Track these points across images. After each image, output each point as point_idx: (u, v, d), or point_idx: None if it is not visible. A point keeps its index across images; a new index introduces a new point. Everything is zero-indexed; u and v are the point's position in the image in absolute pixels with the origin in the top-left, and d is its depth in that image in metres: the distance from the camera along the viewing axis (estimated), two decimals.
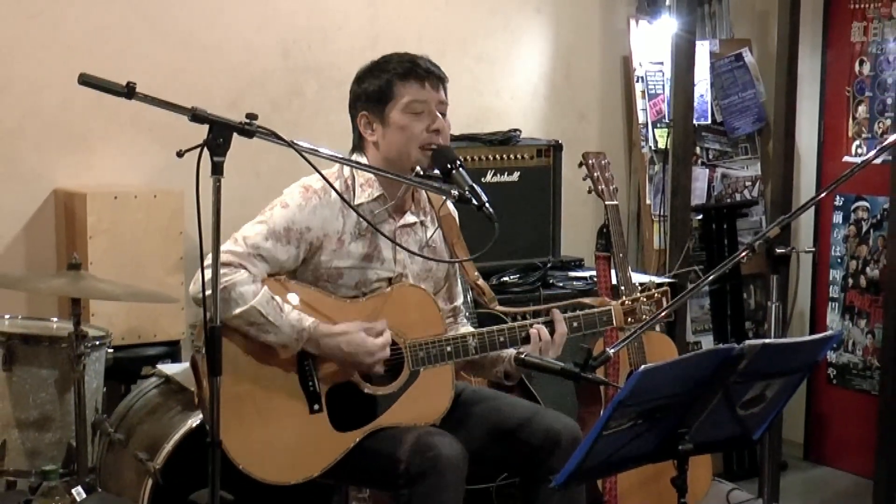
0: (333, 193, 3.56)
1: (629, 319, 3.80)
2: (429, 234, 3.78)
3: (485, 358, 3.74)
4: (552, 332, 3.67)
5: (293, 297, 3.54)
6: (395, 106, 3.62)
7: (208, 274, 3.03)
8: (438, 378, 3.66)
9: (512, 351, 3.68)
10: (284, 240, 3.53)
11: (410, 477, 3.40)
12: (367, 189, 3.65)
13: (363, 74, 3.71)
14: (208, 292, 3.04)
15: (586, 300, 3.90)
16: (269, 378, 3.51)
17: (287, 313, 3.47)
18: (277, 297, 3.48)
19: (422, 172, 3.57)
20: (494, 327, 3.66)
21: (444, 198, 3.69)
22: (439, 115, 3.65)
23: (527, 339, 3.64)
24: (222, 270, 3.38)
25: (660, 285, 3.92)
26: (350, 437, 3.56)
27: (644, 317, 3.80)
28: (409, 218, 3.73)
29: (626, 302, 3.83)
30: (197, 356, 3.48)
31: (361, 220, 3.58)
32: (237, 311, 3.42)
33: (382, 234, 3.59)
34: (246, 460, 3.46)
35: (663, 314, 3.59)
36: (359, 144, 3.74)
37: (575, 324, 3.74)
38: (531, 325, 3.65)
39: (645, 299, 3.82)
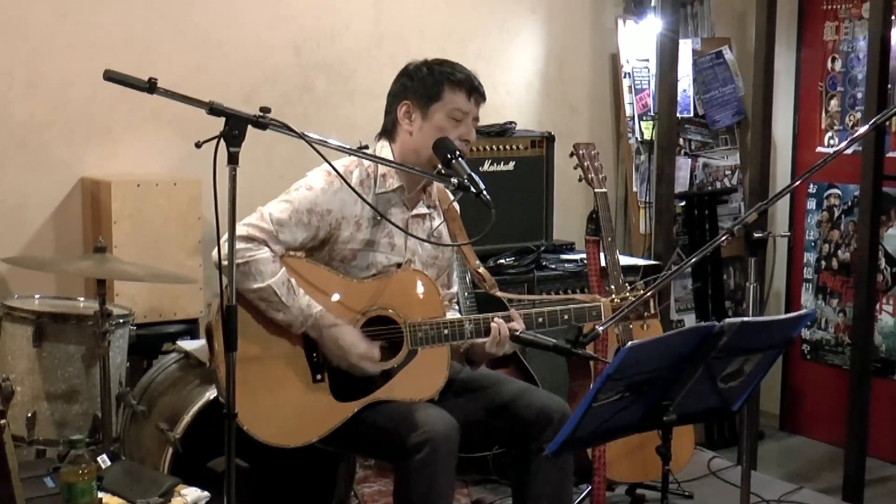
0: (353, 179, 3.58)
1: None
2: (435, 225, 3.79)
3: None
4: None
5: (303, 273, 3.54)
6: (440, 107, 3.64)
7: (227, 248, 3.00)
8: (435, 358, 3.64)
9: (478, 340, 3.64)
10: (306, 219, 3.53)
11: (406, 449, 3.40)
12: (388, 179, 3.66)
13: (414, 70, 3.72)
14: (227, 273, 3.01)
15: (579, 296, 3.88)
16: (276, 346, 3.52)
17: (299, 297, 3.48)
18: (293, 280, 3.48)
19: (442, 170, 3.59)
20: (490, 314, 3.65)
21: (449, 192, 3.71)
22: (472, 128, 3.68)
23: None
24: (246, 244, 3.41)
25: (646, 274, 3.86)
26: (349, 407, 3.56)
27: (631, 315, 3.78)
28: (421, 209, 3.75)
29: (616, 300, 3.81)
30: (212, 322, 3.49)
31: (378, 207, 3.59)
32: (254, 286, 3.43)
33: (390, 223, 3.60)
34: (249, 422, 3.45)
35: (649, 294, 3.59)
36: (391, 130, 3.74)
37: (566, 316, 3.72)
38: (493, 319, 3.62)
39: (633, 298, 3.78)
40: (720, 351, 2.98)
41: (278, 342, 3.52)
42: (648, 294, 3.59)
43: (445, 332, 3.61)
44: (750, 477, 3.87)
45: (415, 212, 3.73)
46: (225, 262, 3.00)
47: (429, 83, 3.67)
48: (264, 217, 3.51)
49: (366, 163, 3.66)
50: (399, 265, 3.67)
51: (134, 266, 4.24)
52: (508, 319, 3.65)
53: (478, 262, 3.86)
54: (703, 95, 6.34)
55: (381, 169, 3.66)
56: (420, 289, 3.66)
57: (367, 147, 3.77)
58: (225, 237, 3.00)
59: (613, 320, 3.45)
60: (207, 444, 3.89)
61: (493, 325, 3.61)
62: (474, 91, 3.69)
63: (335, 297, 3.57)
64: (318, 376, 3.55)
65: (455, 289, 3.99)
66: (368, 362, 3.54)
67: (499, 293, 3.90)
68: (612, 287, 4.36)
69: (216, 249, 3.39)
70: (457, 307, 4.01)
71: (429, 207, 3.79)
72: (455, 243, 3.82)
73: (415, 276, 3.67)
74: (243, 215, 3.40)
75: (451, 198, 3.80)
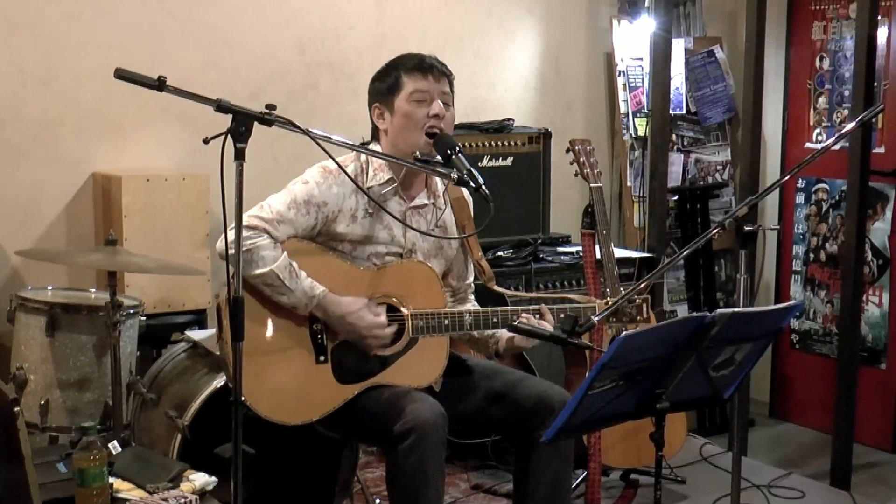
0: (349, 173, 3.58)
1: (612, 319, 3.76)
2: (439, 216, 3.78)
3: (481, 335, 3.75)
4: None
5: (309, 255, 3.56)
6: (401, 96, 3.62)
7: (233, 234, 3.02)
8: (435, 347, 3.64)
9: (506, 334, 3.68)
10: (304, 210, 3.54)
11: (393, 437, 3.39)
12: (379, 173, 3.66)
13: (378, 74, 3.74)
14: (232, 258, 3.02)
15: (574, 296, 3.87)
16: (282, 326, 3.52)
17: (301, 280, 3.49)
18: (295, 264, 3.49)
19: (419, 156, 3.57)
20: (489, 308, 3.64)
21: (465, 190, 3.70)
22: (440, 102, 3.63)
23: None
24: (248, 233, 3.43)
25: (640, 267, 3.84)
26: (349, 389, 3.55)
27: (625, 318, 3.77)
28: (419, 200, 3.72)
29: (610, 302, 3.78)
30: (221, 302, 3.50)
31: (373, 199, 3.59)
32: (257, 271, 3.44)
33: (387, 212, 3.60)
34: (252, 397, 3.44)
35: (643, 285, 3.58)
36: (375, 134, 3.75)
37: (562, 315, 3.68)
38: (521, 314, 3.63)
39: (627, 302, 3.76)
40: (712, 340, 2.97)
41: (284, 323, 3.53)
42: (643, 285, 3.59)
43: (446, 322, 3.61)
44: (740, 462, 3.87)
45: (413, 203, 3.71)
46: (230, 251, 3.05)
47: (386, 80, 3.67)
48: (264, 208, 3.53)
49: (361, 158, 3.68)
50: (400, 256, 3.67)
51: (144, 258, 4.24)
52: (537, 314, 3.65)
53: (480, 253, 3.85)
54: (695, 93, 6.33)
55: (373, 164, 3.67)
56: (422, 279, 3.65)
57: (369, 143, 3.78)
58: (230, 227, 3.02)
59: (609, 310, 3.45)
60: (215, 431, 3.89)
61: (522, 318, 3.60)
62: (430, 68, 3.65)
63: (339, 282, 3.56)
64: (322, 357, 3.55)
65: (471, 279, 3.96)
66: (378, 330, 3.54)
67: (496, 288, 3.90)
68: (607, 280, 4.35)
69: (220, 240, 3.43)
70: (473, 296, 3.98)
71: (429, 198, 3.77)
72: (456, 236, 3.81)
73: (417, 266, 3.66)
74: (250, 208, 3.41)
75: (462, 190, 3.78)
